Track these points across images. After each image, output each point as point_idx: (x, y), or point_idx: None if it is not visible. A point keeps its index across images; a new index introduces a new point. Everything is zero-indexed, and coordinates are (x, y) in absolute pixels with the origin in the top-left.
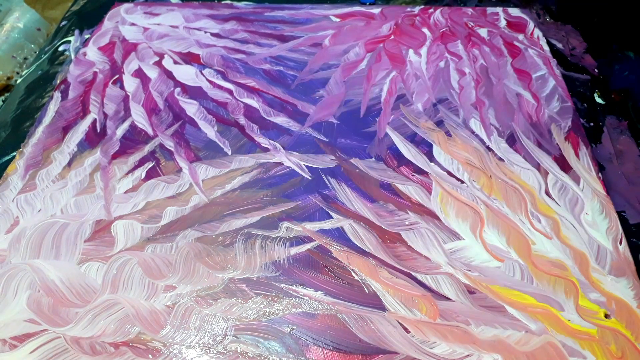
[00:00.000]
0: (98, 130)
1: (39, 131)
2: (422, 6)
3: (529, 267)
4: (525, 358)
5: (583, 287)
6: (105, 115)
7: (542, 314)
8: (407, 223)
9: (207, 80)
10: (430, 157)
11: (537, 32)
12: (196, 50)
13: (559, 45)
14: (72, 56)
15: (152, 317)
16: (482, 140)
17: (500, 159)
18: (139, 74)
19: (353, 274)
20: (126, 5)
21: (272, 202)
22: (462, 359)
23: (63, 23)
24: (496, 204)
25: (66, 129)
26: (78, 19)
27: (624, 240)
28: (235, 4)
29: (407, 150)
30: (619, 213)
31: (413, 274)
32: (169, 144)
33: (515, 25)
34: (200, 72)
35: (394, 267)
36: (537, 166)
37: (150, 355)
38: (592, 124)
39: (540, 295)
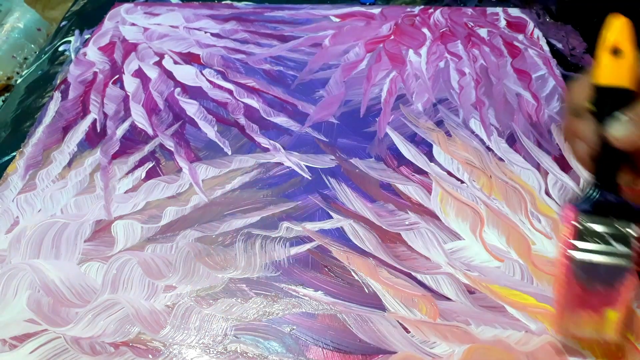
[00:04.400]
0: (98, 130)
1: (39, 131)
2: (422, 6)
3: (528, 267)
4: (525, 358)
5: None
6: (106, 115)
7: (542, 313)
8: (407, 223)
9: (207, 80)
10: (430, 157)
11: (537, 32)
12: (196, 50)
13: (559, 45)
14: (72, 56)
15: (152, 317)
16: (482, 140)
17: (500, 159)
18: (139, 74)
19: (353, 274)
20: (126, 6)
21: (272, 202)
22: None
23: (63, 23)
24: (496, 204)
25: (66, 129)
26: (78, 19)
27: None
28: (236, 4)
29: (407, 150)
30: None
31: (413, 274)
32: (169, 144)
33: (515, 26)
34: (201, 72)
35: (394, 267)
36: (537, 166)
37: (150, 355)
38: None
39: (540, 295)
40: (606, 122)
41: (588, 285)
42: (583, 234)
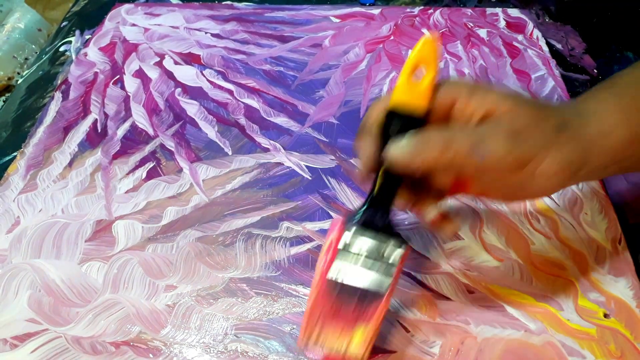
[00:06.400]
0: (99, 130)
1: (40, 131)
2: (422, 7)
3: (528, 267)
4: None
5: (582, 286)
6: (106, 116)
7: (542, 313)
8: (407, 223)
9: (208, 80)
10: None
11: (537, 33)
12: (197, 50)
13: (558, 46)
14: (73, 56)
15: (153, 316)
16: None
17: None
18: (140, 74)
19: None
20: (127, 6)
21: (272, 202)
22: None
23: (64, 24)
24: (495, 204)
25: (67, 129)
26: (79, 20)
27: (623, 240)
28: (236, 4)
29: None
30: (618, 213)
31: (413, 273)
32: (170, 144)
33: (515, 26)
34: (201, 72)
35: None
36: None
37: (150, 355)
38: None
39: (539, 294)
40: (386, 145)
41: (342, 301)
42: (345, 252)
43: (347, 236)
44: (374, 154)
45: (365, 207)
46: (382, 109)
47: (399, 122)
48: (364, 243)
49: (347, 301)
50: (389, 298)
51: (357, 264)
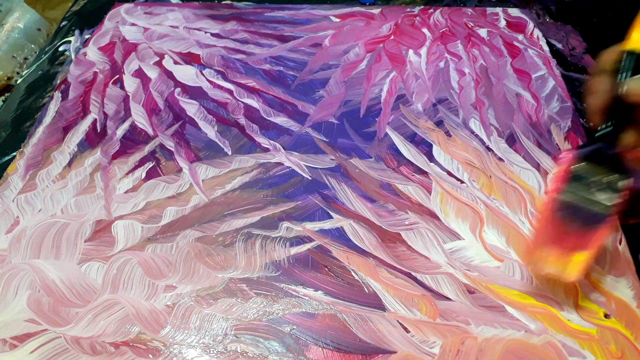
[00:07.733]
0: (98, 130)
1: (40, 131)
2: (422, 6)
3: (528, 267)
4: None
5: (583, 287)
6: (106, 116)
7: (542, 313)
8: (407, 223)
9: (207, 80)
10: (430, 157)
11: (537, 32)
12: (196, 50)
13: (559, 46)
14: (73, 56)
15: (153, 316)
16: (481, 140)
17: (500, 159)
18: (139, 74)
19: (353, 273)
20: (126, 6)
21: (272, 202)
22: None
23: (63, 23)
24: (496, 204)
25: (66, 129)
26: (78, 19)
27: (623, 240)
28: (236, 4)
29: (407, 150)
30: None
31: (413, 273)
32: (169, 144)
33: (515, 26)
34: (201, 72)
35: (394, 267)
36: (537, 166)
37: (150, 355)
38: (591, 124)
39: (539, 295)
40: (625, 81)
41: (566, 225)
42: (574, 177)
43: (575, 163)
44: (608, 90)
45: (596, 140)
46: (615, 53)
47: (634, 60)
48: (591, 171)
49: (570, 224)
50: (611, 224)
51: (583, 190)
